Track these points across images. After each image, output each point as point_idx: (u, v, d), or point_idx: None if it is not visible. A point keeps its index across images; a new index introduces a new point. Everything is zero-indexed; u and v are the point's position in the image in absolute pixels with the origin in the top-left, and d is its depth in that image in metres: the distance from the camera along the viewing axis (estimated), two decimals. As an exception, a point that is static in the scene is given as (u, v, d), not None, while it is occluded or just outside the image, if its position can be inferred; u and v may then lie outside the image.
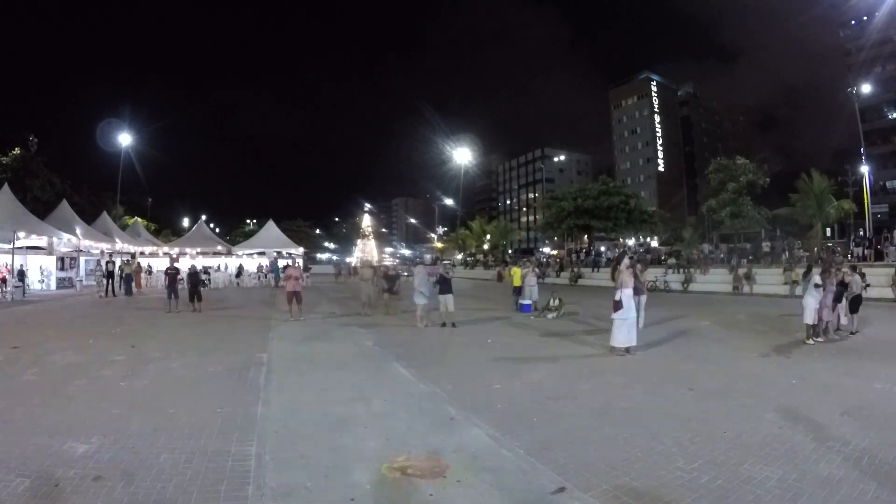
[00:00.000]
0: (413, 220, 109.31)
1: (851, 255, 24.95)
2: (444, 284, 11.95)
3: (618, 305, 8.15)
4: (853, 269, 11.45)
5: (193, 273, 16.33)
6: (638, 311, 9.12)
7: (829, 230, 34.20)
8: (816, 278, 9.28)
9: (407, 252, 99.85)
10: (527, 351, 8.98)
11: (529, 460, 4.06)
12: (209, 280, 26.76)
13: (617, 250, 27.77)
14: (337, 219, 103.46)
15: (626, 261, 8.73)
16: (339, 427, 4.81)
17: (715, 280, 23.78)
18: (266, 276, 31.49)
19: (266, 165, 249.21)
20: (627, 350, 8.24)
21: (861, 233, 32.77)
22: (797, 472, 3.77)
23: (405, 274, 22.91)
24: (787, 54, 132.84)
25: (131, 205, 50.46)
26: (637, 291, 10.80)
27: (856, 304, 10.24)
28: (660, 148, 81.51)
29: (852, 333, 9.92)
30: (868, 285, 16.64)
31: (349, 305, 16.97)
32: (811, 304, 9.15)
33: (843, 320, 10.33)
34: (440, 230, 79.84)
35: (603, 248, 41.04)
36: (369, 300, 14.64)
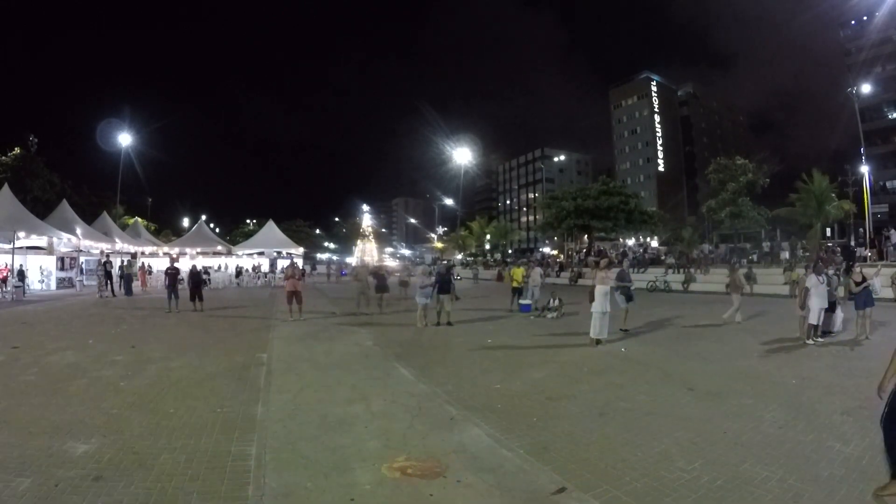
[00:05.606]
0: (413, 220, 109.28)
1: (857, 255, 24.95)
2: (442, 285, 12.02)
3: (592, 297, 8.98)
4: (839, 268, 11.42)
5: (195, 273, 16.41)
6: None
7: (828, 230, 34.17)
8: (810, 279, 9.30)
9: (407, 252, 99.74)
10: (526, 351, 8.97)
11: (529, 460, 4.06)
12: (209, 280, 26.76)
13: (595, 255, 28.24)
14: (337, 219, 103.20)
15: (603, 262, 10.07)
16: (339, 427, 4.81)
17: (716, 280, 23.74)
18: (266, 277, 31.51)
19: (266, 165, 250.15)
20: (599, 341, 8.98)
21: (861, 230, 32.78)
22: (797, 472, 3.77)
23: (402, 274, 22.91)
24: (786, 56, 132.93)
25: (131, 205, 50.52)
26: (735, 290, 11.95)
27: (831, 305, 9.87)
28: (660, 148, 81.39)
29: (830, 333, 9.79)
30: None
31: (349, 305, 16.95)
32: (815, 304, 9.15)
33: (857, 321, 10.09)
34: (440, 230, 79.78)
35: (603, 249, 40.94)
36: (367, 300, 14.77)
